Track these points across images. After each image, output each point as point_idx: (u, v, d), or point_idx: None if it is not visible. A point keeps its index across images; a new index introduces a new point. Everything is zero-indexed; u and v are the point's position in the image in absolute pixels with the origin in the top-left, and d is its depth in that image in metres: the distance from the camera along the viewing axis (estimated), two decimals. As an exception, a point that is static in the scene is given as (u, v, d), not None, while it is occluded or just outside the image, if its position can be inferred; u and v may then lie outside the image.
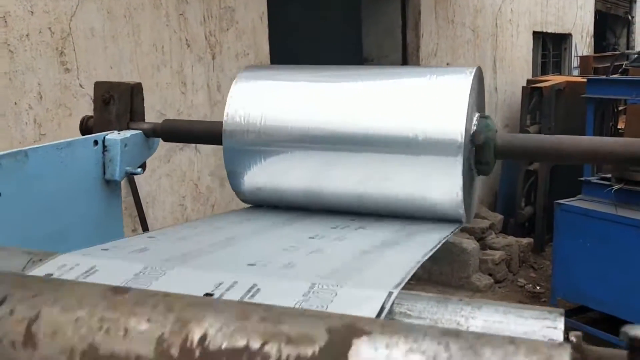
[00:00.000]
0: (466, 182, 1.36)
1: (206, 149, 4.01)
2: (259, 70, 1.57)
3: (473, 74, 1.37)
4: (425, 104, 1.36)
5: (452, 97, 1.33)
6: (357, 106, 1.42)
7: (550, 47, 10.71)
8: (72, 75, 3.15)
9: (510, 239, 6.72)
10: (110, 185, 1.60)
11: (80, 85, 3.20)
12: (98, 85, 1.65)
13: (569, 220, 5.26)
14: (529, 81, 8.31)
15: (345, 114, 1.41)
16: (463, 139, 1.31)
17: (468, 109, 1.32)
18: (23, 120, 2.95)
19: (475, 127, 1.37)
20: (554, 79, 8.37)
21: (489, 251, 6.40)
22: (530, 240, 6.92)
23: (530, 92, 7.42)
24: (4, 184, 1.29)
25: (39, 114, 3.01)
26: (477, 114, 1.41)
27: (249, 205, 1.60)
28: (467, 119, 1.32)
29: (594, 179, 5.26)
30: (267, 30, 4.38)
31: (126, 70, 3.40)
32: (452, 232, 1.32)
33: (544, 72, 10.33)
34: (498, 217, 7.05)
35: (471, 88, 1.35)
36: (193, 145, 3.87)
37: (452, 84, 1.36)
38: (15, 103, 2.93)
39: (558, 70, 10.90)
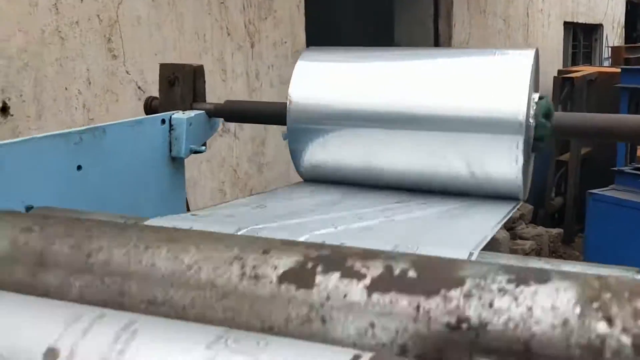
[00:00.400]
0: (525, 160, 1.40)
1: (244, 135, 4.08)
2: (320, 51, 1.63)
3: (533, 54, 1.41)
4: (486, 83, 1.40)
5: (514, 77, 1.37)
6: (417, 85, 1.47)
7: (580, 37, 10.61)
8: (118, 62, 3.23)
9: (540, 229, 6.72)
10: (176, 162, 1.67)
11: (127, 72, 3.28)
12: (163, 67, 1.72)
13: (601, 210, 5.24)
14: (559, 71, 8.25)
15: (406, 93, 1.46)
16: (524, 118, 1.35)
17: (529, 88, 1.37)
18: (73, 105, 3.04)
19: (534, 106, 1.41)
20: (585, 70, 8.31)
21: (519, 241, 6.41)
22: (560, 230, 6.90)
23: (562, 82, 7.38)
24: (84, 158, 1.36)
25: (88, 100, 3.10)
26: (535, 94, 1.45)
27: (295, 183, 1.65)
28: (528, 98, 1.36)
29: (627, 169, 5.24)
30: (304, 19, 4.43)
31: (170, 57, 3.47)
32: (513, 207, 1.36)
33: (575, 62, 10.24)
34: (528, 208, 7.04)
35: (532, 68, 1.38)
36: (232, 131, 3.95)
37: (514, 64, 1.40)
38: (66, 88, 3.01)
39: (588, 61, 10.80)
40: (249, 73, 4.02)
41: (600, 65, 10.44)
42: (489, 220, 1.16)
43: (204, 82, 1.75)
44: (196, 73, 1.72)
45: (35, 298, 0.59)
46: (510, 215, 1.30)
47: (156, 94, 1.77)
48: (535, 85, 1.50)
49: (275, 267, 0.59)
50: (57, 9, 2.94)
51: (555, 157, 7.24)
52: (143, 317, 0.53)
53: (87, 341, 0.50)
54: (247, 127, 4.09)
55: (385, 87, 1.48)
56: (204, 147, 1.70)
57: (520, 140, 1.36)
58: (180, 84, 1.70)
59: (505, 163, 1.39)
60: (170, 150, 1.64)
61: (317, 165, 1.56)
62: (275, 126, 4.41)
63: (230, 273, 0.58)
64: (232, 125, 4.00)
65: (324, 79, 1.54)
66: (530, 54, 1.41)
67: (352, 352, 0.47)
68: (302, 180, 1.65)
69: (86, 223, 0.71)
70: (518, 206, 1.41)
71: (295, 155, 1.57)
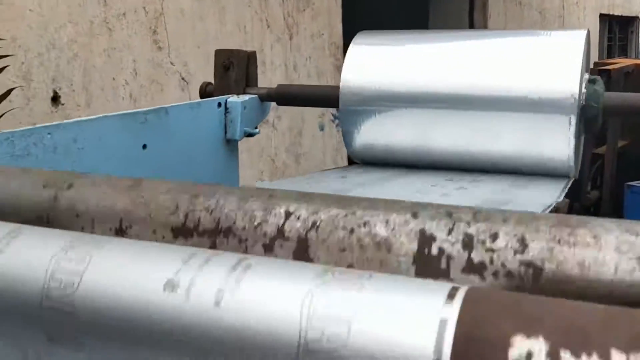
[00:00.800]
0: (576, 139, 1.43)
1: (282, 126, 4.14)
2: (372, 35, 1.67)
3: (585, 34, 1.43)
4: (539, 64, 1.43)
5: (567, 57, 1.40)
6: (469, 66, 1.50)
7: (616, 30, 10.46)
8: (163, 53, 3.31)
9: (576, 223, 6.65)
10: (230, 144, 1.72)
11: (171, 63, 3.36)
12: (218, 52, 1.78)
13: (639, 202, 5.18)
14: (595, 64, 8.14)
15: (458, 74, 1.49)
16: (577, 97, 1.37)
17: (582, 68, 1.39)
18: (120, 95, 3.13)
19: (585, 87, 1.43)
20: (621, 62, 8.18)
21: (554, 234, 6.36)
22: (597, 224, 6.83)
23: (598, 74, 7.27)
24: (149, 137, 1.42)
25: (134, 90, 3.18)
26: (586, 74, 1.47)
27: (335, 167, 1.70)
28: (580, 78, 1.39)
29: (666, 161, 5.17)
30: (340, 11, 4.47)
31: (212, 48, 3.53)
32: (566, 184, 1.39)
33: (610, 55, 10.10)
34: (564, 201, 6.99)
35: (584, 48, 1.41)
36: (270, 122, 4.01)
37: (566, 44, 1.42)
38: (113, 78, 3.10)
39: (624, 53, 10.63)
40: (287, 65, 4.07)
41: (637, 57, 10.27)
42: (546, 193, 1.20)
43: (256, 67, 1.81)
44: (250, 58, 1.77)
45: (150, 242, 0.65)
46: (565, 191, 1.33)
47: (199, 85, 1.83)
48: (586, 66, 1.52)
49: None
50: (105, 1, 3.03)
51: (591, 149, 7.15)
52: (253, 256, 0.58)
53: (204, 274, 0.55)
54: (285, 118, 4.15)
55: (437, 69, 1.52)
56: (257, 130, 1.75)
57: (572, 120, 1.38)
58: (235, 69, 1.75)
59: (557, 142, 1.41)
60: (226, 133, 1.70)
61: (368, 146, 1.60)
62: (311, 118, 4.45)
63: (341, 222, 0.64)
64: (270, 116, 4.06)
65: (376, 62, 1.58)
66: (582, 34, 1.43)
67: (450, 285, 0.51)
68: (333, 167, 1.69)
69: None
70: (570, 184, 1.44)
71: (347, 137, 1.61)
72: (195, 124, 1.59)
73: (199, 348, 0.53)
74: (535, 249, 0.58)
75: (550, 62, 1.41)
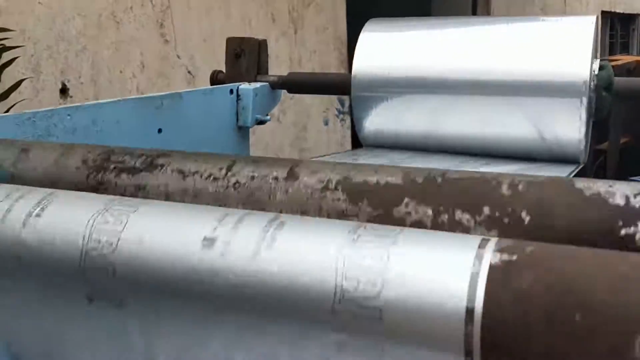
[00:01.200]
0: (586, 124, 1.44)
1: (287, 121, 4.15)
2: (382, 22, 1.68)
3: (594, 19, 1.45)
4: (549, 49, 1.44)
5: (577, 42, 1.41)
6: (478, 51, 1.52)
7: (618, 27, 10.47)
8: (170, 47, 3.33)
9: (579, 219, 6.68)
10: (242, 131, 1.74)
11: (178, 56, 3.37)
12: (230, 40, 1.80)
13: (642, 198, 5.19)
14: (598, 61, 8.17)
15: (468, 59, 1.51)
16: (587, 82, 1.39)
17: (592, 52, 1.41)
18: (127, 88, 3.14)
19: (595, 71, 1.45)
20: (623, 59, 8.20)
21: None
22: (599, 220, 6.85)
23: (601, 70, 7.30)
24: (164, 121, 1.44)
25: (142, 83, 3.20)
26: (595, 60, 1.49)
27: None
28: (590, 62, 1.40)
29: (669, 157, 5.19)
30: (345, 5, 4.48)
31: (218, 42, 3.55)
32: (575, 168, 1.41)
33: (612, 52, 10.10)
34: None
35: (594, 33, 1.42)
36: (276, 116, 4.02)
37: (576, 29, 1.44)
38: (121, 71, 3.12)
39: (626, 51, 10.64)
40: (292, 59, 4.09)
41: (638, 54, 10.28)
42: (562, 173, 1.22)
43: (267, 55, 1.82)
44: (260, 46, 1.79)
45: (183, 204, 0.66)
46: (574, 175, 1.35)
47: (204, 78, 1.84)
48: (595, 52, 1.54)
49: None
50: (112, -6, 3.05)
51: (593, 146, 7.18)
52: (286, 214, 0.60)
53: (240, 230, 0.57)
54: (290, 113, 4.17)
55: (448, 54, 1.53)
56: (268, 117, 1.77)
57: (583, 104, 1.40)
58: (246, 57, 1.77)
59: (568, 126, 1.43)
60: (237, 120, 1.71)
61: (380, 131, 1.62)
62: (316, 113, 4.46)
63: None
64: (275, 111, 4.08)
65: (387, 48, 1.59)
66: (591, 19, 1.45)
67: (480, 237, 0.53)
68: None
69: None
70: (579, 169, 1.45)
71: (359, 122, 1.63)
72: (208, 110, 1.61)
73: (238, 301, 0.55)
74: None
75: (561, 47, 1.43)
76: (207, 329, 0.58)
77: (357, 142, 1.77)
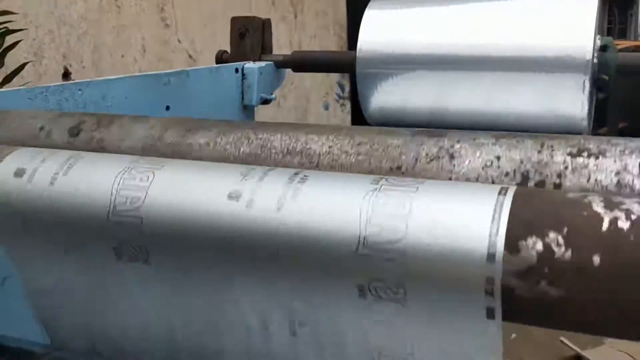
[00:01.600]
0: (590, 99, 1.46)
1: (287, 105, 4.16)
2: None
3: (598, -5, 1.46)
4: (553, 23, 1.45)
5: (580, 15, 1.42)
6: (483, 27, 1.53)
7: (615, 12, 10.46)
8: (171, 31, 3.34)
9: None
10: (247, 110, 1.75)
11: (178, 41, 3.38)
12: (234, 20, 1.81)
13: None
14: (596, 46, 8.17)
15: (473, 35, 1.52)
16: (591, 56, 1.40)
17: (595, 27, 1.42)
18: (129, 72, 3.15)
19: (598, 45, 1.46)
20: (622, 44, 8.23)
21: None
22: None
23: (599, 55, 7.31)
24: (172, 99, 1.46)
25: (143, 67, 3.21)
26: (598, 35, 1.50)
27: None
28: (594, 37, 1.42)
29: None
30: (344, -10, 4.49)
31: (218, 26, 3.56)
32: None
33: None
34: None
35: (597, 7, 1.44)
36: (276, 100, 4.03)
37: (580, 4, 1.45)
38: (122, 55, 3.13)
39: (623, 36, 10.63)
40: (292, 43, 4.10)
41: (636, 39, 10.29)
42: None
43: (271, 34, 1.83)
44: (265, 25, 1.80)
45: (206, 162, 0.68)
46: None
47: (205, 62, 1.86)
48: (599, 29, 1.55)
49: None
50: (113, -22, 3.05)
51: (592, 131, 7.20)
52: (307, 170, 0.62)
53: (264, 184, 0.58)
54: (290, 97, 4.18)
55: (453, 30, 1.54)
56: (273, 96, 1.78)
57: (587, 78, 1.41)
58: (250, 36, 1.78)
59: (572, 101, 1.44)
60: (243, 99, 1.73)
61: (386, 108, 1.63)
62: (316, 97, 4.48)
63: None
64: (275, 95, 4.09)
65: (392, 25, 1.60)
66: (595, -7, 1.46)
67: (499, 185, 0.55)
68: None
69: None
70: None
71: (364, 100, 1.64)
72: (214, 88, 1.62)
73: (263, 251, 0.56)
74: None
75: (564, 22, 1.44)
76: (233, 281, 0.60)
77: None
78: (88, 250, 0.62)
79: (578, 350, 2.49)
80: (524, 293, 0.51)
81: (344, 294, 0.55)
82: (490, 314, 0.52)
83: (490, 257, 0.50)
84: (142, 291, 0.62)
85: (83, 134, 0.80)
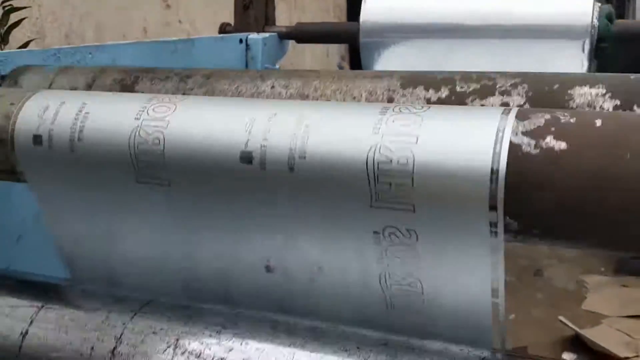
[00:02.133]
0: (589, 66, 1.49)
1: (288, 87, 4.19)
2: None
3: (597, -39, 1.49)
4: (553, -10, 1.48)
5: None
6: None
7: (614, -2, 10.48)
8: (172, 12, 3.35)
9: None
10: (252, 81, 1.78)
11: (179, 21, 3.39)
12: (238, -9, 1.83)
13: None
14: (594, 30, 8.18)
15: (475, 3, 1.55)
16: (590, 23, 1.43)
17: (594, -6, 1.45)
18: (131, 53, 3.17)
19: (597, 12, 1.49)
20: (620, 28, 8.24)
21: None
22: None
23: (598, 39, 7.33)
24: (179, 66, 1.48)
25: (144, 47, 3.22)
26: (597, 3, 1.53)
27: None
28: (593, 5, 1.45)
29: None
30: (344, -28, 4.50)
31: (218, 7, 3.57)
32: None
33: (609, 23, 10.12)
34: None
35: (596, -25, 1.46)
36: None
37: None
38: (124, 35, 3.14)
39: (621, 18, 10.64)
40: (291, 23, 4.10)
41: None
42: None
43: (274, 7, 1.86)
44: (274, -2, 1.82)
45: (222, 98, 0.71)
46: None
47: None
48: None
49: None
50: (114, -42, 3.06)
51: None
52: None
53: (278, 117, 0.61)
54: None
55: (455, -1, 1.57)
56: (277, 67, 1.81)
57: (586, 45, 1.44)
58: (254, 8, 1.80)
59: (572, 67, 1.47)
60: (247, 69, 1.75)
61: (388, 77, 1.66)
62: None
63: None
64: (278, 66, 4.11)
65: (394, -5, 1.63)
66: (594, -40, 1.48)
67: (501, 108, 0.58)
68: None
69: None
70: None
71: (367, 70, 1.67)
72: (219, 58, 1.65)
73: (280, 186, 0.59)
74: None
75: (564, -11, 1.47)
76: (248, 218, 0.63)
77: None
78: (110, 176, 0.65)
79: (577, 329, 2.51)
80: (524, 204, 0.54)
81: (360, 211, 0.58)
82: (493, 228, 0.55)
83: (494, 172, 0.53)
84: (161, 217, 0.65)
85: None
